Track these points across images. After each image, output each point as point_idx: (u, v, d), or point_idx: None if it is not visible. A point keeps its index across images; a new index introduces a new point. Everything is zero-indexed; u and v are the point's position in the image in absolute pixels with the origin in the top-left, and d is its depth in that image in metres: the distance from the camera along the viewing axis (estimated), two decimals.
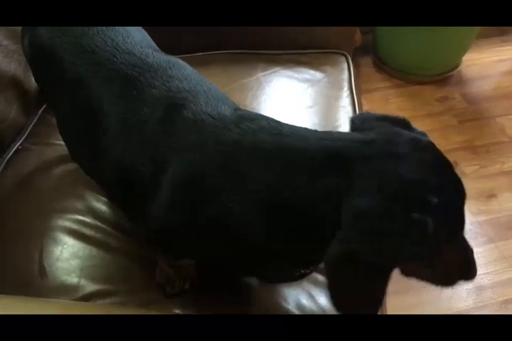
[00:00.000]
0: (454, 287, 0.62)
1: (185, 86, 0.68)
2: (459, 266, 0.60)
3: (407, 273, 0.61)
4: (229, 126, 0.60)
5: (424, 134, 0.60)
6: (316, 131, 0.60)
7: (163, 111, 0.64)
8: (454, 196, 0.54)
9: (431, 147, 0.56)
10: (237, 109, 0.68)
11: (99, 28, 0.75)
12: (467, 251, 0.60)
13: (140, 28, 0.84)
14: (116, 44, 0.73)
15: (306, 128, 0.60)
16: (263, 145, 0.57)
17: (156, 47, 0.80)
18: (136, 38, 0.76)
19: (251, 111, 0.67)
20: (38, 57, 0.81)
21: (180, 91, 0.66)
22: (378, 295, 0.53)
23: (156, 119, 0.64)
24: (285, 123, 0.61)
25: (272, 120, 0.62)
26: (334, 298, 0.54)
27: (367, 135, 0.56)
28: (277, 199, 0.54)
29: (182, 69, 0.73)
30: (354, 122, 0.62)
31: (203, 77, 0.76)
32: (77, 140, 0.78)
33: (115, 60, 0.71)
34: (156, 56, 0.73)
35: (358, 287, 0.53)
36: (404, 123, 0.61)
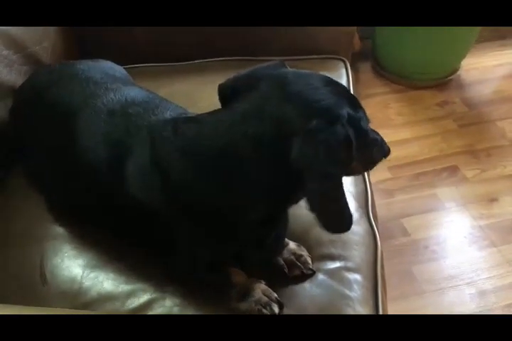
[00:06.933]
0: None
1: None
2: (376, 150, 0.72)
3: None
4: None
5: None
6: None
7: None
8: (354, 105, 0.67)
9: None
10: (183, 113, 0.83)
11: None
12: (377, 137, 0.72)
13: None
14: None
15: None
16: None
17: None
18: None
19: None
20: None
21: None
22: (346, 204, 0.64)
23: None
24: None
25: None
26: (325, 222, 0.64)
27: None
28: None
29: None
30: (223, 92, 0.73)
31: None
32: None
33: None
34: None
35: (333, 203, 0.63)
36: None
